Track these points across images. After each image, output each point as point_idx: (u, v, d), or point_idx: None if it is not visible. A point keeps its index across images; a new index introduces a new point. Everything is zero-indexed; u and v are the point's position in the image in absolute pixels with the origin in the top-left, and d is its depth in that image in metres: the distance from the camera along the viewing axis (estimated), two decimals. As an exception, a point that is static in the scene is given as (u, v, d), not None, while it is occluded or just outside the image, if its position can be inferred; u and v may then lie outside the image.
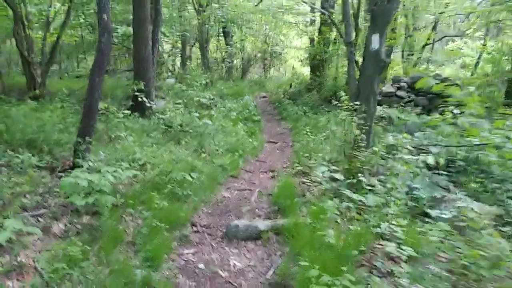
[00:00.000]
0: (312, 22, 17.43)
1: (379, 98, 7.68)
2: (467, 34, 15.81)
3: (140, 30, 7.93)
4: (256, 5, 15.50)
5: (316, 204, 3.90)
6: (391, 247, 3.09)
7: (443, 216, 3.34)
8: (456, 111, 3.85)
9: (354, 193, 4.08)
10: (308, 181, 4.94)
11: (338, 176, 4.52)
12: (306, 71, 18.26)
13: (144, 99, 7.10)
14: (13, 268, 2.67)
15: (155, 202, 3.85)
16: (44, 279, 2.59)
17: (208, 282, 2.97)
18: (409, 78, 9.46)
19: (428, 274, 2.72)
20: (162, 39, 13.11)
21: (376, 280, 2.65)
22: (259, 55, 20.46)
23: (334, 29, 13.69)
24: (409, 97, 8.68)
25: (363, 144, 4.80)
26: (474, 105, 3.12)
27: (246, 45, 20.71)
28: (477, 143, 3.69)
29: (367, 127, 4.88)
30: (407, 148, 4.06)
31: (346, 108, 5.10)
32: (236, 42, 18.89)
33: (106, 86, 9.98)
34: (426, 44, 14.15)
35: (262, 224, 3.72)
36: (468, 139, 4.54)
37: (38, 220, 3.45)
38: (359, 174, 4.33)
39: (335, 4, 14.42)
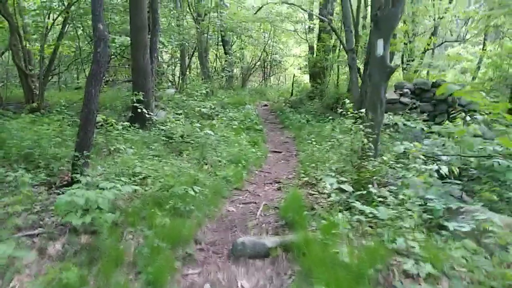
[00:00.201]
0: (311, 29, 17.44)
1: (383, 105, 7.54)
2: (467, 39, 15.78)
3: (138, 39, 7.80)
4: (255, 13, 15.46)
5: (326, 218, 3.71)
6: (409, 264, 2.90)
7: (462, 229, 3.15)
8: (468, 117, 3.70)
9: (364, 205, 3.90)
10: (315, 192, 4.75)
11: (346, 187, 4.32)
12: (306, 78, 18.21)
13: (144, 110, 6.95)
14: (5, 296, 2.49)
15: (156, 219, 3.67)
16: (39, 308, 2.40)
17: (215, 306, 2.78)
18: (412, 84, 9.34)
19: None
20: (161, 48, 13.03)
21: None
22: (258, 63, 20.44)
23: (334, 36, 13.66)
24: (414, 103, 8.54)
25: (371, 153, 4.63)
26: (501, 112, 2.96)
27: (246, 53, 20.69)
28: (497, 152, 3.51)
29: (374, 136, 4.72)
30: (419, 158, 3.88)
31: (351, 116, 4.95)
32: (235, 51, 18.85)
33: (106, 97, 9.89)
34: (426, 50, 14.08)
35: (270, 241, 3.53)
36: (481, 147, 4.39)
37: (34, 242, 3.27)
38: (369, 185, 4.16)
39: (334, 12, 14.42)
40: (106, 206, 3.20)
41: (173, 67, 15.87)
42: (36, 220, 3.53)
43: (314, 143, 6.68)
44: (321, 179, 5.02)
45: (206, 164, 5.99)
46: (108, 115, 6.58)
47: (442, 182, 4.50)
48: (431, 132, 5.85)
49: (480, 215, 3.22)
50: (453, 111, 7.31)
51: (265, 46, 19.65)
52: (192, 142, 6.72)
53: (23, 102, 8.73)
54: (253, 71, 20.62)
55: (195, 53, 15.46)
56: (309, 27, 17.28)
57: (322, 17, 12.17)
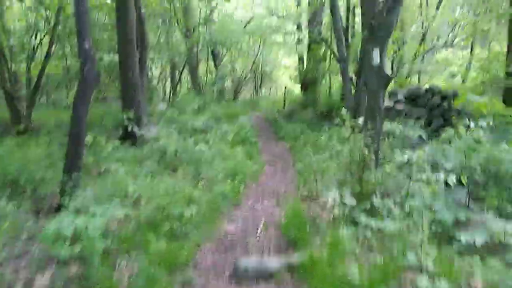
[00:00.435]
0: (301, 40, 17.50)
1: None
2: (455, 44, 15.95)
3: (126, 54, 7.63)
4: (244, 27, 15.48)
5: (331, 235, 3.53)
6: (423, 281, 2.73)
7: (475, 241, 2.99)
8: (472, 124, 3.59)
9: (369, 218, 3.73)
10: (317, 206, 4.57)
11: (349, 200, 4.16)
12: (297, 88, 18.21)
13: (135, 127, 6.75)
14: None
15: (151, 245, 3.44)
16: None
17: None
18: (405, 90, 9.30)
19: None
20: (151, 64, 12.90)
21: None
22: (249, 75, 20.44)
23: (324, 46, 13.69)
24: (409, 110, 8.47)
25: (372, 163, 4.48)
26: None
27: (236, 66, 20.69)
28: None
29: (375, 145, 4.58)
30: (424, 167, 3.74)
31: (349, 125, 4.81)
32: (226, 64, 18.83)
33: (96, 115, 9.65)
34: (416, 56, 14.17)
35: (274, 261, 3.33)
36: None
37: (19, 273, 3.03)
38: (373, 197, 3.99)
39: (322, 23, 14.48)
40: (96, 233, 2.97)
41: (164, 83, 15.75)
42: (22, 250, 3.30)
43: (311, 154, 6.52)
44: (321, 191, 4.85)
45: (202, 179, 5.78)
46: (98, 133, 6.37)
47: (446, 187, 4.35)
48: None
49: (493, 226, 3.06)
50: (448, 116, 7.24)
51: (255, 58, 19.68)
52: (187, 158, 6.51)
53: (8, 124, 8.47)
54: (245, 83, 20.60)
55: (185, 68, 15.38)
56: (298, 38, 17.35)
57: (312, 29, 12.20)
